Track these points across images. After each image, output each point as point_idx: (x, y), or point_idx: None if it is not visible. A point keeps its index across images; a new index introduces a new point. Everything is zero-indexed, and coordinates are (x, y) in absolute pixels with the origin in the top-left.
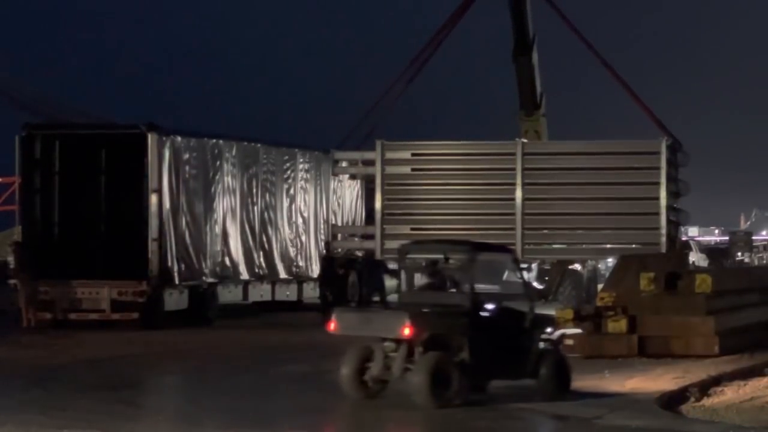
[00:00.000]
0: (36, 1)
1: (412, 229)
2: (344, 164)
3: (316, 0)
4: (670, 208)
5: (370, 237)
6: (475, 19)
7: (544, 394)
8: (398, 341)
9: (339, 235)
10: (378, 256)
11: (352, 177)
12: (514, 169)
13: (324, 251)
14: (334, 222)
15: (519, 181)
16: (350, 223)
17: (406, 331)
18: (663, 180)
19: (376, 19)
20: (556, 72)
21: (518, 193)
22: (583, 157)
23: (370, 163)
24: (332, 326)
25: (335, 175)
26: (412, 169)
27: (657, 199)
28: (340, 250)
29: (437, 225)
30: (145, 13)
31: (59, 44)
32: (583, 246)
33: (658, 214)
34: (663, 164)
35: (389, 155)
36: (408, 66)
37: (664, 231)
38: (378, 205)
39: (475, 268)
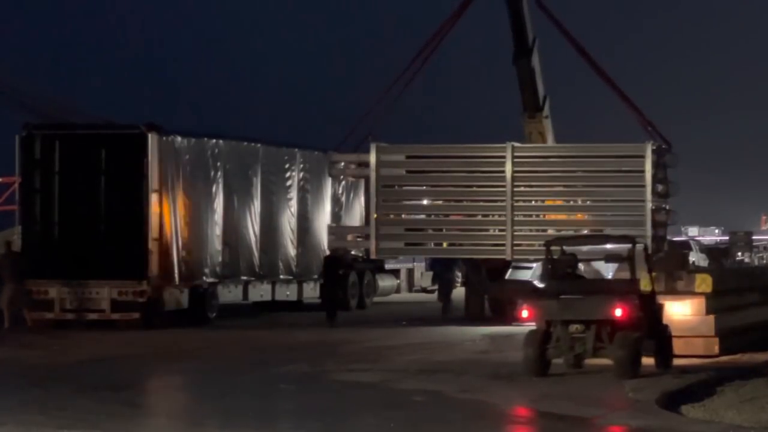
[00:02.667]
0: (36, 1)
1: (406, 230)
2: (341, 166)
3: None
4: (656, 210)
5: (366, 237)
6: (476, 19)
7: (660, 366)
8: (589, 323)
9: (335, 235)
10: (373, 255)
11: (354, 177)
12: (504, 172)
13: (327, 251)
14: (334, 222)
15: (509, 183)
16: (350, 223)
17: (618, 312)
18: (648, 183)
19: (376, 18)
20: (560, 73)
21: (508, 195)
22: (571, 159)
23: (366, 164)
24: (527, 314)
25: (331, 176)
26: (407, 171)
27: (643, 201)
28: (339, 249)
29: (431, 226)
30: (144, 12)
31: (59, 44)
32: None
33: (643, 215)
34: (648, 167)
35: (384, 157)
36: (407, 67)
37: (649, 233)
38: (373, 206)
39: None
